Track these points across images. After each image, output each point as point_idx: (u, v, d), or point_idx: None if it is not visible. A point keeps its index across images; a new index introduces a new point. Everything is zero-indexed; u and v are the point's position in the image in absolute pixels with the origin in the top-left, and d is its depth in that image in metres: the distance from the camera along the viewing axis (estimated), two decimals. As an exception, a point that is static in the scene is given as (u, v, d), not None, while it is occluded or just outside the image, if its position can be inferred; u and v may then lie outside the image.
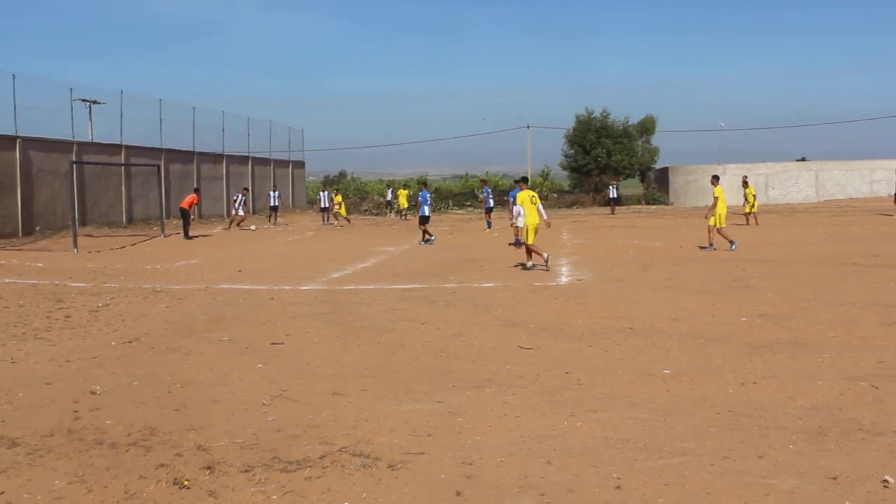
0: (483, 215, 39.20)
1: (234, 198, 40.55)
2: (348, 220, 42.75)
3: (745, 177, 38.70)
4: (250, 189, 50.97)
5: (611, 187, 49.94)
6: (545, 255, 19.66)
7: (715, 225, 23.30)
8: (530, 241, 19.94)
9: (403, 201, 46.17)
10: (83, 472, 6.19)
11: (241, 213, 39.04)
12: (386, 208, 56.51)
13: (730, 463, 6.36)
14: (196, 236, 32.72)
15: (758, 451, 6.61)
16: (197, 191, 36.35)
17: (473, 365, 10.12)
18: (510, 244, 25.32)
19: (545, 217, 20.31)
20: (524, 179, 22.49)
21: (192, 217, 33.99)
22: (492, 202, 38.15)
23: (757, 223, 33.85)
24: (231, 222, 39.48)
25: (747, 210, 34.70)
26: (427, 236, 29.07)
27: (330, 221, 42.75)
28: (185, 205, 33.14)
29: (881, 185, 55.41)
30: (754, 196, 35.27)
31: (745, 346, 10.71)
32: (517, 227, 24.31)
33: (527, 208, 20.14)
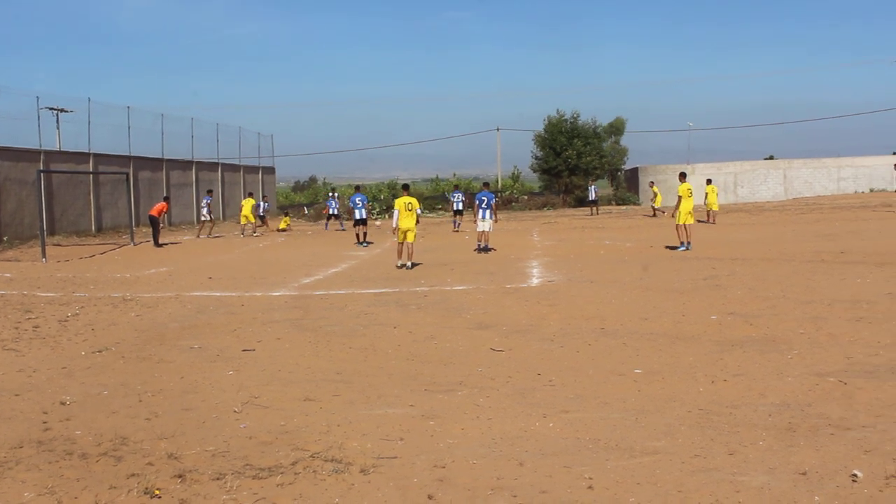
0: (452, 217, 39.30)
1: (205, 201, 39.51)
2: (267, 227, 41.75)
3: (709, 179, 39.76)
4: (220, 195, 50.72)
5: (591, 188, 49.83)
6: (401, 262, 21.34)
7: (684, 223, 23.38)
8: (400, 240, 21.62)
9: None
10: (53, 484, 6.14)
11: (209, 217, 38.13)
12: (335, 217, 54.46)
13: (701, 460, 6.40)
14: (166, 244, 32.32)
15: (728, 449, 6.66)
16: (167, 199, 35.68)
17: (445, 368, 10.12)
18: (476, 250, 25.33)
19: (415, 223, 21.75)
20: (405, 187, 24.63)
21: (161, 225, 33.45)
22: (461, 206, 38.22)
23: (714, 222, 34.35)
24: (200, 229, 38.76)
25: (709, 208, 35.28)
26: (361, 239, 29.72)
27: (342, 226, 39.55)
28: (154, 213, 32.59)
29: (848, 183, 55.92)
30: (715, 195, 36.19)
31: (715, 345, 10.78)
32: (484, 231, 24.61)
33: (402, 214, 21.38)
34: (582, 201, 56.55)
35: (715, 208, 35.78)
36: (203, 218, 38.43)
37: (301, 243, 32.74)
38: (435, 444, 7.08)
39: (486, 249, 24.69)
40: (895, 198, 46.28)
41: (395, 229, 21.46)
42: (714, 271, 17.84)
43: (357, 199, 30.52)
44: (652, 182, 42.77)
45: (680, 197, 23.66)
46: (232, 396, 8.84)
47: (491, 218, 24.79)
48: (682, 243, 23.49)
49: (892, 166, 38.40)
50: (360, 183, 40.59)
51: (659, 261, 20.76)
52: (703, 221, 33.05)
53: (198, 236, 37.62)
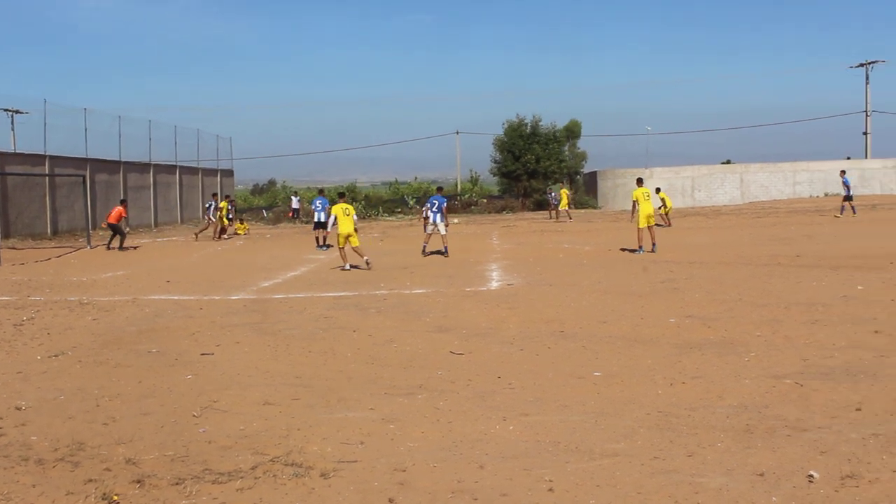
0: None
1: (207, 205, 38.22)
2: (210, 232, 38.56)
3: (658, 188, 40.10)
4: (177, 198, 50.35)
5: (551, 192, 49.63)
6: (347, 265, 21.83)
7: (643, 226, 23.66)
8: (340, 245, 22.11)
9: None
10: (8, 490, 6.06)
11: (213, 219, 36.58)
12: (293, 217, 53.53)
13: (660, 462, 6.44)
14: (128, 248, 31.71)
15: (687, 450, 6.71)
16: (123, 202, 34.41)
17: (405, 371, 10.12)
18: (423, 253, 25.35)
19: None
20: (341, 195, 24.41)
21: (127, 229, 32.46)
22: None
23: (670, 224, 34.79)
24: (202, 230, 37.25)
25: (663, 213, 35.58)
26: (321, 243, 29.73)
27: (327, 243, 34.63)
28: (112, 220, 31.81)
29: (803, 187, 56.58)
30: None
31: (674, 347, 10.85)
32: (441, 235, 24.66)
33: (340, 219, 21.89)
34: (541, 205, 56.62)
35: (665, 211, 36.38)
36: (210, 220, 37.03)
37: (260, 247, 32.56)
38: (395, 447, 7.07)
39: (443, 252, 24.71)
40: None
41: (326, 234, 22.02)
42: (672, 274, 17.97)
43: (318, 203, 30.46)
44: (658, 188, 40.99)
45: (635, 201, 23.88)
46: (191, 401, 8.77)
47: (442, 221, 24.83)
48: (639, 247, 23.71)
49: (839, 173, 38.76)
50: (322, 186, 40.22)
51: (617, 264, 20.89)
52: (661, 225, 33.39)
53: (197, 234, 36.74)
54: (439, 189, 27.06)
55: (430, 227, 25.01)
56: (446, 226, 25.22)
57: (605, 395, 8.72)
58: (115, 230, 31.62)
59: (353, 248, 21.96)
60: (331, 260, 25.10)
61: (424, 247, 25.32)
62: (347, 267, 21.63)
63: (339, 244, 22.16)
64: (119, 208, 32.62)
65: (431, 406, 8.41)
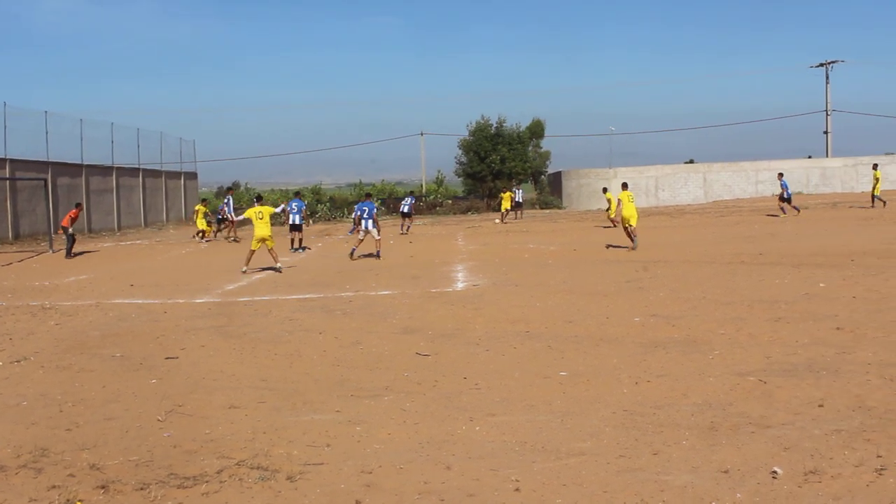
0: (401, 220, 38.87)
1: (225, 201, 36.94)
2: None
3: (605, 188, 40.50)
4: (141, 201, 50.01)
5: (515, 192, 49.25)
6: (245, 268, 22.07)
7: (626, 225, 24.76)
8: (253, 248, 22.26)
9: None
10: (-30, 497, 6.00)
11: (232, 217, 34.45)
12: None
13: (625, 461, 6.48)
14: (78, 254, 30.55)
15: (652, 449, 6.75)
16: (78, 205, 32.46)
17: (371, 373, 10.10)
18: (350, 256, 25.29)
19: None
20: (257, 198, 25.16)
21: (71, 233, 30.26)
22: (407, 209, 37.79)
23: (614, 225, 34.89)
24: (228, 230, 36.08)
25: (610, 215, 35.84)
26: (295, 245, 29.67)
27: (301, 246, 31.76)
28: (65, 223, 30.48)
29: (766, 186, 56.93)
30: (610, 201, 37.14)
31: (639, 346, 10.91)
32: (375, 239, 25.06)
33: (254, 222, 22.10)
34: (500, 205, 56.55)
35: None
36: (228, 217, 35.71)
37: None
38: (362, 449, 7.06)
39: (376, 255, 24.82)
40: (809, 201, 47.27)
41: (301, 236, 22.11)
42: (637, 274, 18.05)
43: (293, 205, 30.24)
44: (605, 188, 41.30)
45: (620, 201, 25.12)
46: (155, 405, 8.72)
47: (374, 227, 24.85)
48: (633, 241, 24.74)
49: (777, 175, 38.86)
50: (298, 189, 39.76)
51: (582, 264, 20.96)
52: (609, 227, 33.85)
53: (227, 237, 35.59)
54: (367, 195, 27.23)
55: (361, 233, 25.12)
56: (378, 230, 25.22)
57: (571, 394, 8.76)
58: (67, 234, 30.22)
59: (268, 251, 22.12)
60: (296, 262, 25.03)
61: (353, 251, 25.23)
62: (245, 270, 21.91)
63: (252, 246, 22.26)
64: (73, 210, 31.27)
65: (398, 407, 8.41)
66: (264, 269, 22.09)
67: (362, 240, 25.25)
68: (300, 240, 29.83)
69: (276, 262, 22.08)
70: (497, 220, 42.91)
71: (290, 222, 29.90)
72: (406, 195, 43.39)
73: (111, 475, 6.44)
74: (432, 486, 6.07)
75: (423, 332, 12.63)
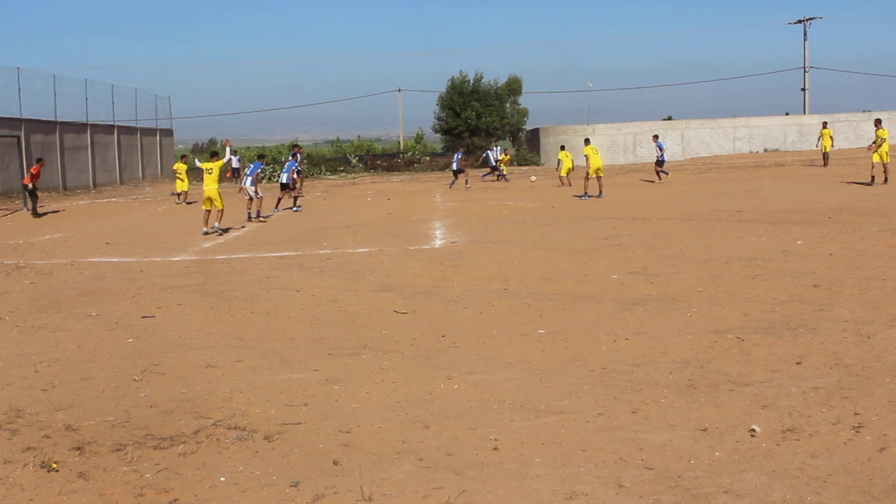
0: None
1: (291, 159, 31.42)
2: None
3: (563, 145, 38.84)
4: (116, 158, 49.56)
5: (488, 153, 46.42)
6: (205, 229, 21.50)
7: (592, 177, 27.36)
8: (204, 207, 21.66)
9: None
10: (-57, 459, 5.92)
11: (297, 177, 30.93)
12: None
13: (604, 419, 6.48)
14: (46, 214, 29.40)
15: (631, 407, 6.75)
16: (39, 161, 30.69)
17: (349, 331, 10.07)
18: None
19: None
20: (213, 154, 23.52)
21: (35, 191, 28.97)
22: (456, 165, 36.75)
23: (570, 184, 34.38)
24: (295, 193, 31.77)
25: (563, 173, 35.24)
26: (290, 205, 28.82)
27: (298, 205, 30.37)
28: (25, 180, 29.30)
29: (743, 143, 57.04)
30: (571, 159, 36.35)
31: (617, 304, 10.91)
32: (249, 199, 25.06)
33: (204, 177, 21.40)
34: (485, 163, 56.17)
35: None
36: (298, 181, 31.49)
37: (200, 207, 32.13)
38: (340, 408, 7.03)
39: (251, 216, 24.78)
40: (786, 157, 47.41)
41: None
42: (615, 231, 18.05)
43: (286, 165, 29.64)
44: (563, 146, 38.16)
45: (587, 156, 27.60)
46: (131, 364, 8.65)
47: (252, 186, 24.60)
48: (585, 193, 27.00)
49: (652, 137, 36.96)
50: (262, 145, 39.19)
51: (561, 221, 20.93)
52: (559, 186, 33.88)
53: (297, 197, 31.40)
54: (260, 156, 26.89)
55: (251, 192, 24.92)
56: (256, 192, 24.88)
57: (549, 352, 8.75)
58: (28, 191, 29.33)
59: (217, 211, 21.54)
60: (274, 219, 24.90)
61: (249, 213, 25.03)
62: (206, 231, 21.44)
63: (203, 206, 21.72)
64: (33, 167, 29.71)
65: (376, 366, 8.38)
66: (243, 227, 22.13)
67: (251, 199, 24.98)
68: (294, 199, 28.55)
69: (218, 221, 21.57)
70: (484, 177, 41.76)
71: (280, 182, 29.27)
72: (455, 152, 40.87)
73: (87, 436, 6.38)
74: (410, 446, 6.05)
75: (401, 289, 12.59)
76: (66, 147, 44.60)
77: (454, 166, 36.99)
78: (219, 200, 21.33)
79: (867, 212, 19.22)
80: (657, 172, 34.54)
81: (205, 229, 21.46)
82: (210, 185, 21.20)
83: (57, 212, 30.37)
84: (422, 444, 6.07)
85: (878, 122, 27.58)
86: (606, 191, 28.25)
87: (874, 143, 26.60)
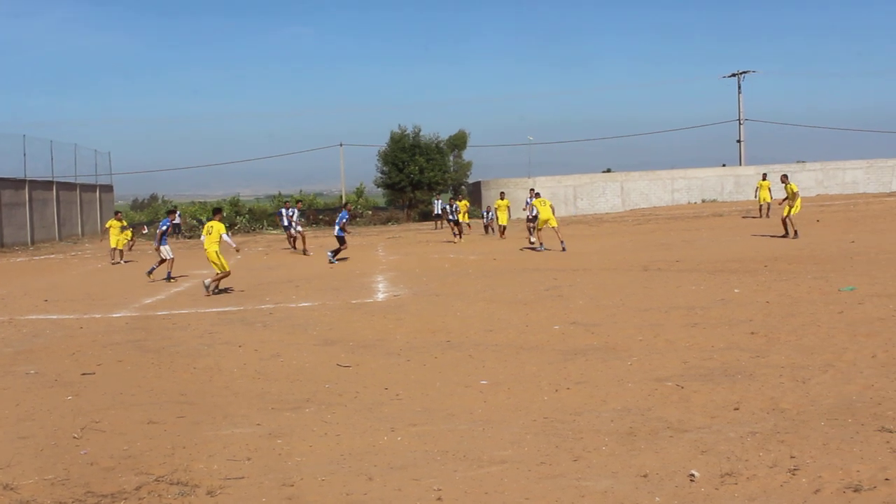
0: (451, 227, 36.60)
1: (290, 213, 33.20)
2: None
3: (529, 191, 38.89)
4: (55, 215, 49.02)
5: (436, 202, 47.33)
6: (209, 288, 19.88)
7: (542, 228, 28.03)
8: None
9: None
10: None
11: (299, 229, 32.89)
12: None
13: (546, 468, 6.52)
14: None
15: (573, 455, 6.81)
16: None
17: (292, 385, 10.04)
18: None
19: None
20: (215, 211, 21.92)
21: None
22: (453, 215, 35.91)
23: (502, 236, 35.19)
24: (296, 242, 33.21)
25: (503, 221, 35.75)
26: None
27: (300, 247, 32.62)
28: None
29: (682, 194, 57.91)
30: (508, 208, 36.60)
31: (559, 354, 11.00)
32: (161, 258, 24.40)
33: (204, 237, 20.18)
34: (426, 216, 56.54)
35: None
36: (295, 231, 32.89)
37: (143, 263, 31.84)
38: (283, 462, 7.01)
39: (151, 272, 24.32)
40: (724, 208, 48.19)
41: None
42: (556, 282, 18.20)
43: (282, 212, 30.86)
44: (503, 193, 38.50)
45: (535, 208, 28.70)
46: (71, 422, 8.55)
47: (165, 245, 24.25)
48: (540, 244, 28.09)
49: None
50: (204, 200, 39.09)
51: (503, 273, 21.06)
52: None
53: (304, 252, 31.55)
54: (169, 212, 26.89)
55: (163, 253, 24.38)
56: (156, 249, 24.42)
57: (491, 402, 8.80)
58: None
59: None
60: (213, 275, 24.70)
61: (153, 267, 24.51)
62: (209, 290, 19.75)
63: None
64: None
65: (319, 419, 8.37)
66: (188, 285, 21.91)
67: (164, 260, 24.25)
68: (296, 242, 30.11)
69: (211, 278, 19.82)
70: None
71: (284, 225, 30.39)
72: (446, 202, 40.13)
73: (26, 495, 6.30)
74: (354, 498, 6.05)
75: (344, 343, 12.59)
76: (4, 203, 44.09)
77: (335, 230, 29.57)
78: (216, 264, 19.65)
79: (801, 260, 19.62)
80: (529, 228, 31.40)
81: (209, 288, 19.69)
82: (207, 248, 19.72)
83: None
84: (366, 496, 6.07)
85: (784, 178, 28.14)
86: (546, 242, 28.40)
87: (786, 199, 26.98)
